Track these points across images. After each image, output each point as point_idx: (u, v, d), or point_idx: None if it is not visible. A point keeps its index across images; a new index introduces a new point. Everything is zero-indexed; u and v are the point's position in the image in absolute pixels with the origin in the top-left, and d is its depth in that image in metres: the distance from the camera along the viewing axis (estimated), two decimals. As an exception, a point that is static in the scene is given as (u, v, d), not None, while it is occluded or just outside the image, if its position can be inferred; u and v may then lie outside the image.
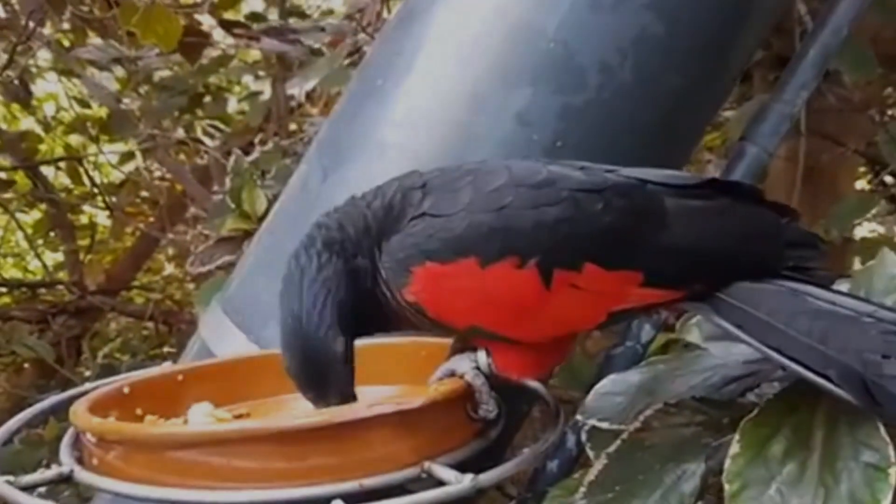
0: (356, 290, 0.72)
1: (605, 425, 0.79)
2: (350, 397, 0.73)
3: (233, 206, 1.50)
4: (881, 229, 2.69)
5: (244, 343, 1.00)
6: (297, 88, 1.59)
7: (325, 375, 0.71)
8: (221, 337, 1.03)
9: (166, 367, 0.90)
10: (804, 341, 0.66)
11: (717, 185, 0.77)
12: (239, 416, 0.85)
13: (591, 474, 0.73)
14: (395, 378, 0.86)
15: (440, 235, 0.70)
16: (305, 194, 1.08)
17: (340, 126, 1.12)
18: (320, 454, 0.64)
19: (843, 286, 0.80)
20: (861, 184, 2.29)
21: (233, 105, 3.07)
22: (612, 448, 0.75)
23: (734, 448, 0.66)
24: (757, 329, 0.69)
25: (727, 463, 0.65)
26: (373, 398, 0.71)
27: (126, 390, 0.81)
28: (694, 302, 0.73)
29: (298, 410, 0.83)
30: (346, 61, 1.52)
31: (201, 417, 0.79)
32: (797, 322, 0.68)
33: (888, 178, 2.05)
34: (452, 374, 0.74)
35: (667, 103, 1.04)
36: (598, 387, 0.84)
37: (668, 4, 1.01)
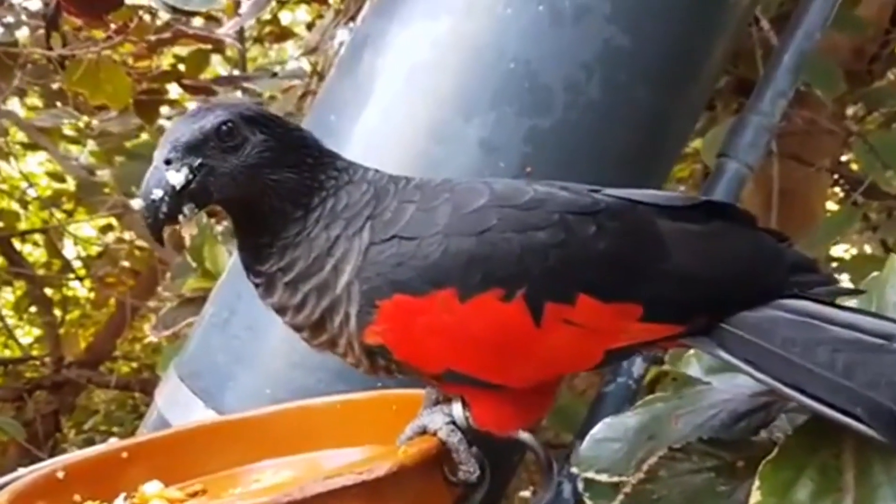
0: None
1: (603, 477, 0.71)
2: None
3: (194, 264, 1.43)
4: (854, 250, 2.64)
5: (201, 411, 0.91)
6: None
7: None
8: (176, 405, 0.94)
9: (110, 443, 0.81)
10: (826, 376, 0.58)
11: (709, 207, 0.69)
12: (193, 495, 0.75)
13: (594, 537, 0.64)
14: (361, 439, 0.76)
15: (412, 263, 0.61)
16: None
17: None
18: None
19: (850, 302, 0.72)
20: (830, 205, 2.26)
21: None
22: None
23: (755, 496, 0.58)
24: (769, 364, 0.61)
25: (749, 512, 0.57)
26: (333, 465, 0.62)
27: (60, 475, 0.71)
28: (696, 336, 0.65)
29: (260, 485, 0.74)
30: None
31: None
32: (816, 354, 0.59)
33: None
34: (424, 431, 0.65)
35: (638, 119, 0.97)
36: (592, 432, 0.75)
37: (631, 15, 0.94)
